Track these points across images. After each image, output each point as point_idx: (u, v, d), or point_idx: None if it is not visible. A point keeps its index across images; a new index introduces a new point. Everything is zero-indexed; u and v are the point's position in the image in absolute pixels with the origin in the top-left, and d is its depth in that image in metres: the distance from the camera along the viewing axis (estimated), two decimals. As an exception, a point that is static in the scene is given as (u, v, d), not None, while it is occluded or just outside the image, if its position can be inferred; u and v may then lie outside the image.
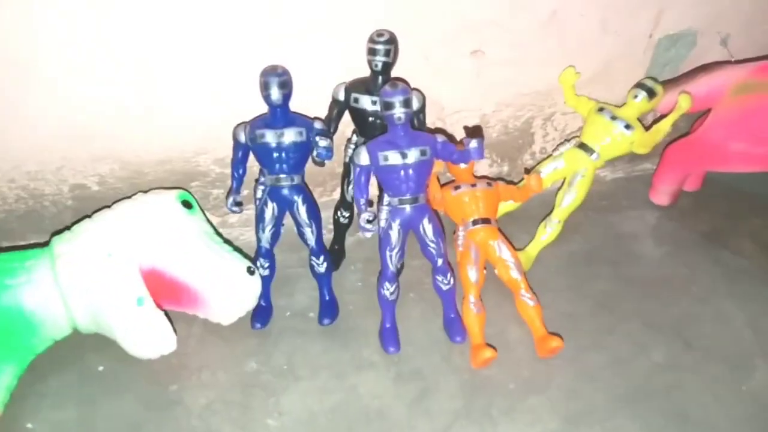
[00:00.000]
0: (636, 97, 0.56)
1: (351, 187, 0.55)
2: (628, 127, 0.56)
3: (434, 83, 0.55)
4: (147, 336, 0.45)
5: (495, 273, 0.53)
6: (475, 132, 0.60)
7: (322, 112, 0.52)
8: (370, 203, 0.48)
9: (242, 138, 0.50)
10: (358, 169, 0.48)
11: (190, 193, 0.53)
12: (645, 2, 0.56)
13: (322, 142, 0.48)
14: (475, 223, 0.53)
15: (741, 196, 0.66)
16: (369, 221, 0.47)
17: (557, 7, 0.54)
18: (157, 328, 0.45)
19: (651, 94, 0.56)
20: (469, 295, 0.50)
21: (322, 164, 0.53)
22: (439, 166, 0.51)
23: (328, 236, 0.58)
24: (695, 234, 0.62)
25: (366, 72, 0.51)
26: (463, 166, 0.53)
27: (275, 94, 0.47)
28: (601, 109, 0.58)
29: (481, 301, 0.51)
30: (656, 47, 0.59)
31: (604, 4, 0.55)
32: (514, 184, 0.61)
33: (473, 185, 0.54)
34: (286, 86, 0.48)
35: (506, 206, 0.59)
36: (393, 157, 0.46)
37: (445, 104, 0.58)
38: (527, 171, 0.59)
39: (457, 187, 0.54)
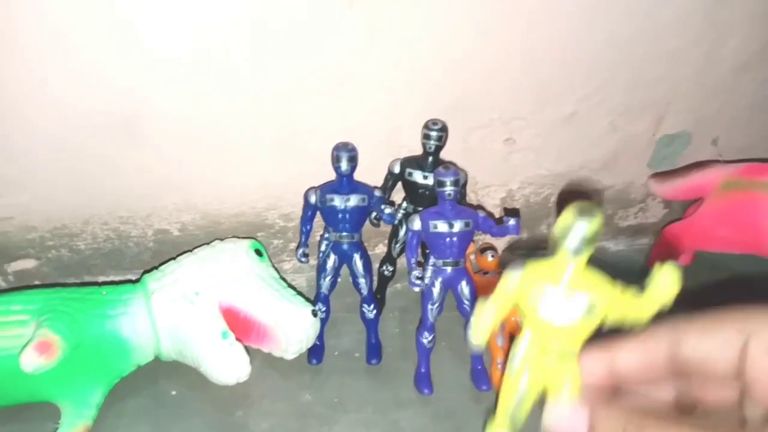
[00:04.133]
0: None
1: (398, 245, 0.64)
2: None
3: (470, 162, 0.64)
4: (230, 364, 0.52)
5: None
6: (513, 212, 0.69)
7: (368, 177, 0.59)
8: (419, 263, 0.56)
9: (313, 200, 0.58)
10: (410, 234, 0.56)
11: (260, 242, 0.61)
12: (646, 109, 0.67)
13: (388, 209, 0.57)
14: None
15: (725, 272, 0.74)
16: (419, 278, 0.55)
17: (576, 110, 0.64)
18: (238, 358, 0.52)
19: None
20: (497, 358, 0.57)
21: (378, 225, 0.62)
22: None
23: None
24: (684, 301, 0.70)
25: (413, 149, 0.60)
26: (489, 258, 0.64)
27: (344, 165, 0.56)
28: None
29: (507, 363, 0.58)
30: (657, 144, 0.70)
31: (615, 109, 0.65)
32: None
33: (499, 273, 0.61)
34: (353, 160, 0.57)
35: None
36: (441, 226, 0.54)
37: (478, 180, 0.67)
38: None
39: (485, 273, 0.64)
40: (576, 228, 0.35)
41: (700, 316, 0.26)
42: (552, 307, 0.36)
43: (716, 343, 0.25)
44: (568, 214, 0.35)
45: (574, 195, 0.73)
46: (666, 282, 0.36)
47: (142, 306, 0.53)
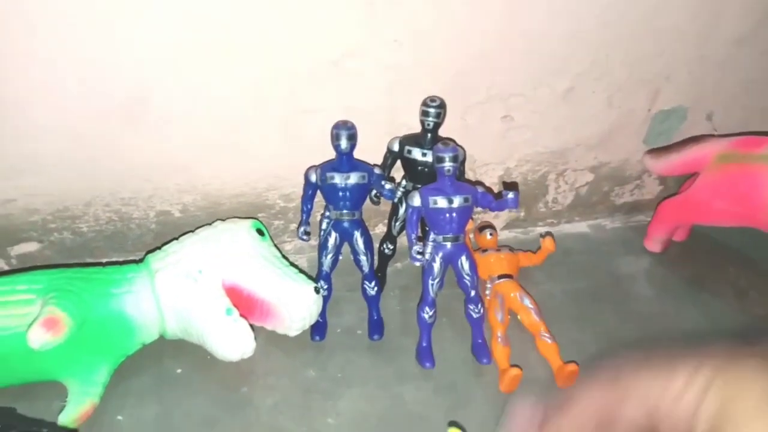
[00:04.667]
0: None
1: (398, 223, 0.65)
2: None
3: (469, 140, 0.65)
4: (235, 340, 0.52)
5: (518, 319, 0.60)
6: (512, 186, 0.70)
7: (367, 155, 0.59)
8: (419, 238, 0.57)
9: (313, 178, 0.59)
10: (410, 210, 0.56)
11: (262, 222, 0.61)
12: (644, 84, 0.67)
13: (388, 185, 0.57)
14: (500, 277, 0.62)
15: (720, 247, 0.75)
16: (419, 253, 0.56)
17: (573, 85, 0.64)
18: (243, 334, 0.53)
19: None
20: (497, 332, 0.58)
21: (378, 203, 0.62)
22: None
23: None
24: (681, 278, 0.70)
25: (412, 127, 0.61)
26: (488, 236, 0.66)
27: (344, 144, 0.57)
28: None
29: (507, 337, 0.58)
30: (652, 120, 0.70)
31: (611, 85, 0.66)
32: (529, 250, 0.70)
33: (498, 250, 0.64)
34: (353, 138, 0.57)
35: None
36: (441, 202, 0.55)
37: (476, 158, 0.68)
38: (542, 236, 0.68)
39: (484, 251, 0.65)
40: None
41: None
42: None
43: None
44: None
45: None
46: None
47: (147, 285, 0.54)
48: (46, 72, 0.52)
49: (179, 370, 0.56)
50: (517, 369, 0.54)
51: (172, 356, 0.57)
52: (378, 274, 0.65)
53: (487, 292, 0.63)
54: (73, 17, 0.50)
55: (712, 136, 0.70)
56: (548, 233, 0.70)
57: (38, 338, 0.45)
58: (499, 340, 0.58)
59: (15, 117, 0.54)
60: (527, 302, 0.60)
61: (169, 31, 0.53)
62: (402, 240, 0.66)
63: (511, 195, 0.55)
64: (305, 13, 0.55)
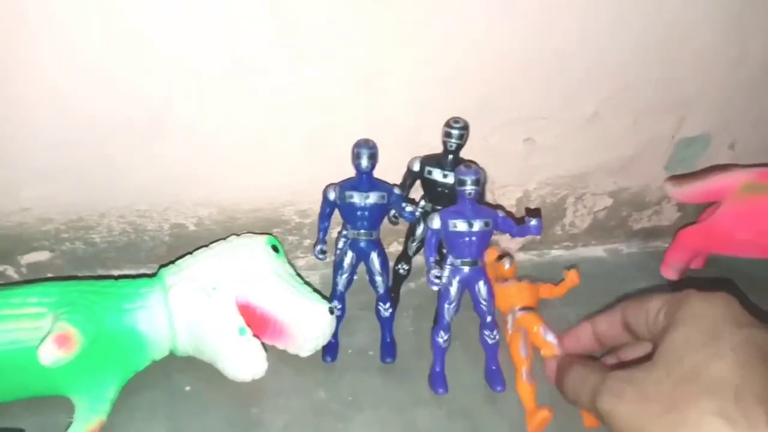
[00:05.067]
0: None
1: (414, 244, 0.64)
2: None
3: (489, 161, 0.64)
4: (247, 360, 0.51)
5: (541, 354, 0.56)
6: (535, 212, 0.69)
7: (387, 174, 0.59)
8: (437, 262, 0.56)
9: (332, 197, 0.58)
10: (430, 232, 0.55)
11: (276, 238, 0.60)
12: (670, 111, 0.66)
13: (409, 207, 0.57)
14: (521, 309, 0.59)
15: (738, 276, 0.74)
16: (437, 277, 0.55)
17: (598, 110, 0.64)
18: (255, 355, 0.52)
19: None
20: (521, 369, 0.55)
21: (396, 223, 0.61)
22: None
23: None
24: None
25: (434, 147, 0.60)
26: (507, 266, 0.62)
27: (365, 162, 0.56)
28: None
29: (532, 373, 0.55)
30: (675, 146, 0.69)
31: (636, 110, 0.65)
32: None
33: (518, 280, 0.62)
34: (374, 157, 0.56)
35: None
36: (461, 225, 0.54)
37: (495, 179, 0.67)
38: (567, 268, 0.64)
39: (505, 280, 0.62)
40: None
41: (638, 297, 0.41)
42: None
43: (641, 314, 0.40)
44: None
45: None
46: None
47: (160, 300, 0.53)
48: (69, 84, 0.51)
49: (188, 388, 0.56)
50: (546, 411, 0.51)
51: (181, 372, 0.56)
52: (392, 294, 0.64)
53: (509, 326, 0.61)
54: (96, 30, 0.49)
55: (736, 165, 0.70)
56: (573, 266, 0.65)
57: (50, 355, 0.44)
58: (524, 377, 0.55)
59: (35, 126, 0.53)
60: (550, 338, 0.56)
61: (193, 47, 0.52)
62: (417, 259, 0.65)
63: (534, 222, 0.54)
64: (333, 31, 0.54)
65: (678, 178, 0.71)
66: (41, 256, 0.61)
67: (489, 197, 0.69)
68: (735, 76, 0.67)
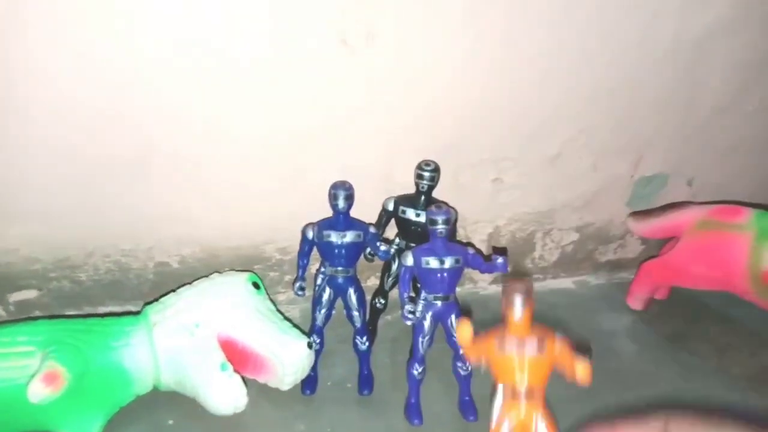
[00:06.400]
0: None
1: (390, 279, 0.67)
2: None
3: (460, 199, 0.67)
4: (229, 396, 0.53)
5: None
6: (501, 251, 0.72)
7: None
8: (411, 298, 0.59)
9: (310, 235, 0.60)
10: (404, 269, 0.58)
11: (257, 275, 0.63)
12: (628, 152, 0.71)
13: (383, 246, 0.60)
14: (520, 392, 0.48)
15: (700, 306, 0.77)
16: (411, 312, 0.58)
17: (561, 151, 0.68)
18: (236, 390, 0.54)
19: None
20: None
21: (372, 260, 0.65)
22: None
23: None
24: (661, 336, 0.72)
25: (407, 187, 0.63)
26: (518, 315, 0.48)
27: (341, 203, 0.59)
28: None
29: None
30: (635, 185, 0.74)
31: (597, 151, 0.69)
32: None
33: (523, 342, 0.48)
34: (350, 198, 0.59)
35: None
36: (433, 263, 0.57)
37: (467, 216, 0.70)
38: (578, 364, 0.50)
39: (503, 340, 0.50)
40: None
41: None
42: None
43: None
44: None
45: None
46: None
47: (144, 338, 0.55)
48: (56, 129, 0.54)
49: (171, 421, 0.57)
50: None
51: (164, 407, 0.58)
52: (369, 328, 0.67)
53: (496, 405, 0.50)
54: (81, 76, 0.52)
55: (692, 202, 0.74)
56: (585, 360, 0.49)
57: (38, 393, 0.46)
58: None
59: (22, 166, 0.56)
60: (542, 429, 0.48)
61: (176, 89, 0.55)
62: (393, 294, 0.68)
63: (500, 260, 0.57)
64: (309, 79, 0.58)
65: (639, 215, 0.75)
66: (29, 294, 0.63)
67: (461, 233, 0.72)
68: (689, 118, 0.72)
